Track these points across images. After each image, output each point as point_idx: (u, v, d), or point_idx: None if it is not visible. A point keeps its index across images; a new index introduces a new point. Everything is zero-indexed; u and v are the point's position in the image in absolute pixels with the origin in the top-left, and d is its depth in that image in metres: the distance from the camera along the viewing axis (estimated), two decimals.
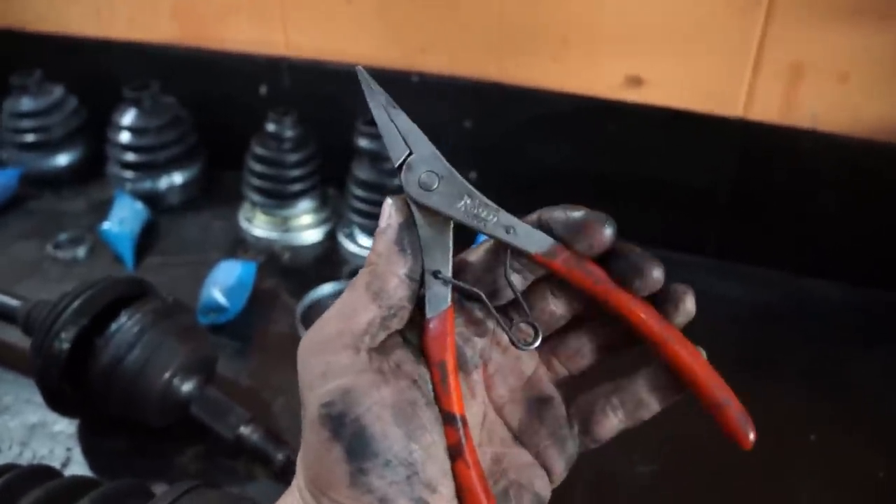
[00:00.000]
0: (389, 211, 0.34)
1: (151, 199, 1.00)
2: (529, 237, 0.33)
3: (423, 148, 0.34)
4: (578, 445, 0.35)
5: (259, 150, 0.95)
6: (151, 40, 1.05)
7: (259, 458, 0.66)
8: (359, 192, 0.91)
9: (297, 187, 0.96)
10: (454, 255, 0.34)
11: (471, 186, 0.33)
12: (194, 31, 1.03)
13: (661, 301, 0.32)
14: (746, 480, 0.66)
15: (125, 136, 0.99)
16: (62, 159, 1.06)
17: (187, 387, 0.67)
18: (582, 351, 0.36)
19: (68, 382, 0.67)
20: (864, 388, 0.77)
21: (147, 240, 0.96)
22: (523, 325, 0.34)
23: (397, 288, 0.33)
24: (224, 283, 0.83)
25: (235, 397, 0.68)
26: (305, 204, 0.98)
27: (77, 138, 1.07)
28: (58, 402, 0.68)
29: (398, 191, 0.35)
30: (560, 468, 0.35)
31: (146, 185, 1.01)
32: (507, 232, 0.33)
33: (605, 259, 0.32)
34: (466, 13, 0.89)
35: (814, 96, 0.81)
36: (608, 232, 0.32)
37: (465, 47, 0.92)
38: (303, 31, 0.98)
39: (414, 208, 0.34)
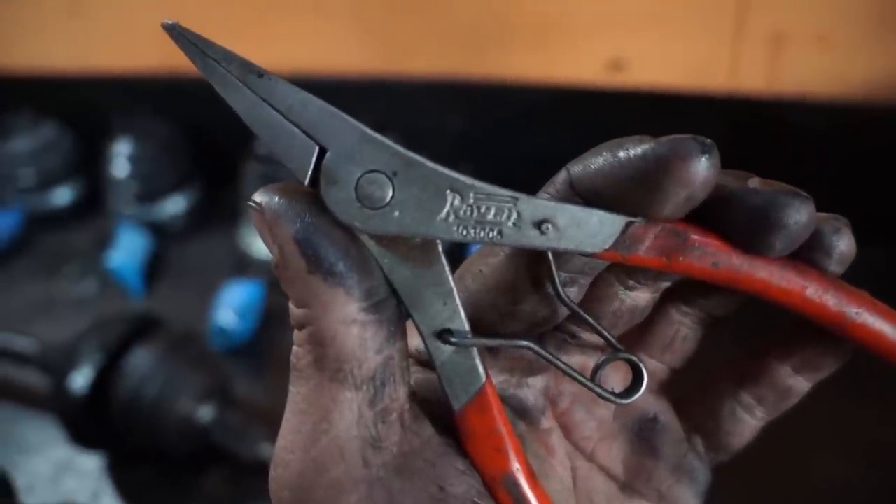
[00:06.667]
0: (269, 225, 0.20)
1: (154, 226, 1.01)
2: (581, 227, 0.21)
3: (344, 133, 0.20)
4: (709, 468, 0.27)
5: (252, 170, 0.95)
6: (133, 67, 1.06)
7: None
8: None
9: None
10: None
11: (454, 173, 0.21)
12: (174, 54, 1.03)
13: (807, 249, 0.22)
14: (756, 451, 0.67)
15: (123, 167, 1.01)
16: (63, 196, 1.07)
17: (204, 414, 0.68)
18: (679, 334, 0.26)
19: (90, 418, 0.68)
20: (873, 356, 0.76)
21: (154, 267, 0.98)
22: (605, 362, 0.23)
23: (359, 337, 0.21)
24: (233, 304, 0.84)
25: (255, 417, 0.70)
26: None
27: (76, 173, 1.08)
28: (82, 437, 0.70)
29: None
30: None
31: (148, 212, 1.02)
32: (542, 231, 0.21)
33: (707, 210, 0.21)
34: (444, 11, 0.90)
35: (798, 62, 0.81)
36: (703, 166, 0.20)
37: (445, 46, 0.92)
38: (284, 46, 0.99)
39: (371, 242, 0.21)
